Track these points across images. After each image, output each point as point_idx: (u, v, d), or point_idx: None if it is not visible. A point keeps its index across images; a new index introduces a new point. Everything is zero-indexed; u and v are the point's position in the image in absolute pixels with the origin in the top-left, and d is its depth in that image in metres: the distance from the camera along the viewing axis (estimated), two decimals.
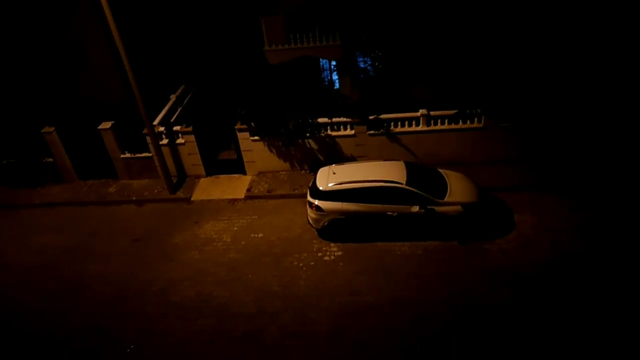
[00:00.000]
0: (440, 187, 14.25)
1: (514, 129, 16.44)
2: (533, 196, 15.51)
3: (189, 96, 20.54)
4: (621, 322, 11.36)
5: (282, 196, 17.17)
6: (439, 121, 16.84)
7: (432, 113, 16.65)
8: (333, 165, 15.16)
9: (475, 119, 16.58)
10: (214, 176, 18.75)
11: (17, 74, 20.82)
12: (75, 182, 19.37)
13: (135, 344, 12.42)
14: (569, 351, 10.92)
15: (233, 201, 17.35)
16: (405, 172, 14.19)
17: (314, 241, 14.96)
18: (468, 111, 16.47)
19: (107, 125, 18.01)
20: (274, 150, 17.94)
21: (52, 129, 18.26)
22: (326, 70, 21.61)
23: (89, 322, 13.22)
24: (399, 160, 15.34)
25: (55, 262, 15.50)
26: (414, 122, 16.92)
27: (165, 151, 18.06)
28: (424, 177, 14.32)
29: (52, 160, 18.97)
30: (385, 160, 15.54)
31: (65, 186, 19.26)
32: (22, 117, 20.57)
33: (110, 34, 15.19)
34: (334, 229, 14.49)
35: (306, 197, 14.82)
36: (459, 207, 13.85)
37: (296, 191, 17.14)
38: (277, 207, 16.73)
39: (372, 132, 17.12)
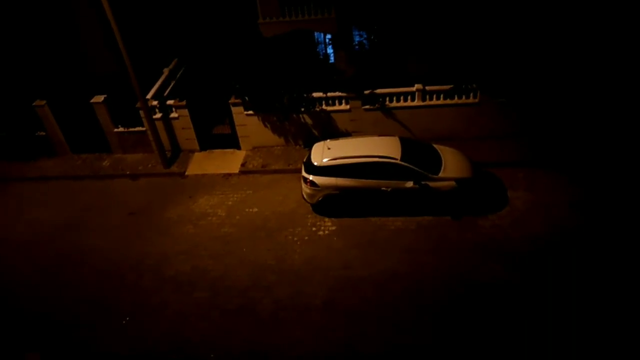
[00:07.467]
0: (435, 162, 14.27)
1: (510, 104, 16.38)
2: (527, 172, 15.56)
3: (183, 70, 20.26)
4: (611, 299, 11.54)
5: (276, 171, 17.15)
6: (435, 96, 16.74)
7: (427, 88, 16.55)
8: (328, 140, 15.11)
9: (471, 95, 16.50)
10: (208, 151, 18.66)
11: (7, 47, 20.44)
12: (68, 156, 19.25)
13: (130, 316, 12.56)
14: (556, 326, 11.11)
15: (227, 176, 17.32)
16: (399, 147, 14.18)
17: (309, 216, 15.03)
18: (464, 86, 16.37)
19: (99, 98, 17.79)
20: (268, 125, 17.83)
21: (43, 102, 18.03)
22: (321, 43, 21.30)
23: (84, 295, 13.31)
24: (393, 135, 15.30)
25: (50, 236, 15.50)
26: (409, 97, 16.82)
27: (159, 125, 17.92)
28: (418, 153, 14.31)
29: (44, 133, 18.81)
30: (380, 135, 15.48)
31: (59, 160, 19.14)
32: (14, 91, 20.26)
33: (101, 4, 14.87)
34: (328, 204, 14.54)
35: (301, 172, 14.81)
36: (452, 183, 13.90)
37: (291, 166, 17.11)
38: (272, 182, 16.73)
39: (367, 107, 17.02)
